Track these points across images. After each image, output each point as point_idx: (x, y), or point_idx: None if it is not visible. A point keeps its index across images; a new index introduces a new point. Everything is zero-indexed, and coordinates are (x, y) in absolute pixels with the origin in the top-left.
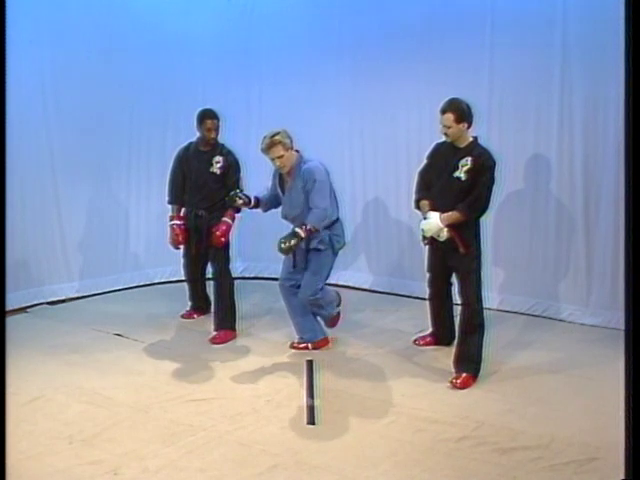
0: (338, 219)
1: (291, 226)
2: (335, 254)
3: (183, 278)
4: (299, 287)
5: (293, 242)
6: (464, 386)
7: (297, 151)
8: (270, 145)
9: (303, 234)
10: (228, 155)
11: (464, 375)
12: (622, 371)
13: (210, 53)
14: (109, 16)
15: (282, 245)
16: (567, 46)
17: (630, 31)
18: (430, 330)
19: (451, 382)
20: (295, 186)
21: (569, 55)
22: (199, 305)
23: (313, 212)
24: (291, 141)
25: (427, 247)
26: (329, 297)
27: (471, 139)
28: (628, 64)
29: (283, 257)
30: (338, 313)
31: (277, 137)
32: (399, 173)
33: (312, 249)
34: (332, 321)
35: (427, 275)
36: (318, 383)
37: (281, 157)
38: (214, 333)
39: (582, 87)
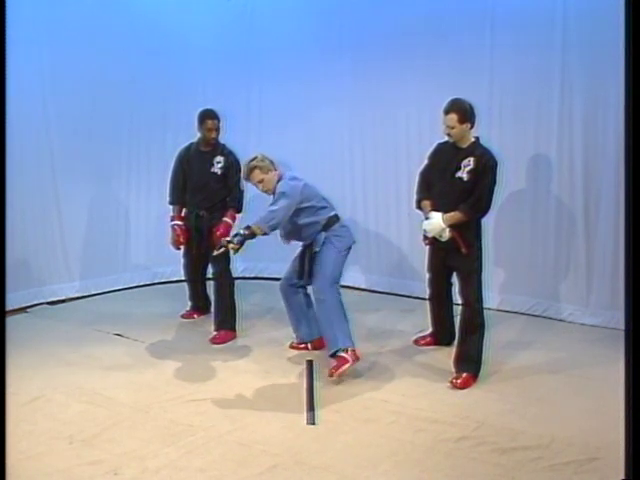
0: (335, 220)
1: (299, 244)
2: (340, 252)
3: (183, 278)
4: (299, 288)
5: (231, 241)
6: (464, 386)
7: (276, 170)
8: (248, 172)
9: (242, 232)
10: (229, 155)
11: (464, 375)
12: (622, 371)
13: (210, 53)
14: (109, 16)
15: (226, 244)
16: (567, 46)
17: (630, 31)
18: (430, 330)
19: (451, 382)
20: None
21: (569, 55)
22: (199, 305)
23: (261, 215)
24: (271, 162)
25: (428, 247)
26: (340, 315)
27: (473, 139)
28: (628, 64)
29: (292, 258)
30: (336, 353)
31: (253, 162)
32: (399, 173)
33: (313, 253)
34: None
35: (427, 275)
36: (318, 383)
37: (261, 181)
38: (214, 333)
39: (582, 87)
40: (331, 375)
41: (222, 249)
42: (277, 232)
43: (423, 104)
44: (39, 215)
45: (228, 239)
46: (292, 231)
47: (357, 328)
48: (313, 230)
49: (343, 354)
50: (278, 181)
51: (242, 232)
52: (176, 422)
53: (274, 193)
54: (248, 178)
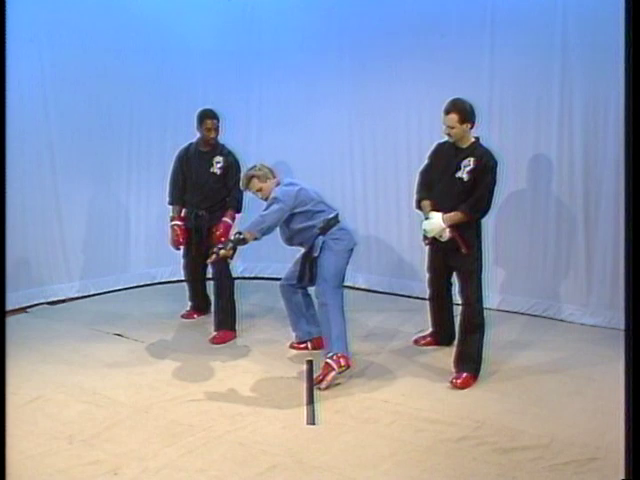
0: (333, 223)
1: (300, 250)
2: (339, 254)
3: (183, 278)
4: (299, 288)
5: (223, 250)
6: (464, 386)
7: (275, 177)
8: (246, 181)
9: (234, 237)
10: (228, 155)
11: (464, 375)
12: (622, 371)
13: (210, 53)
14: (109, 16)
15: (218, 251)
16: (567, 46)
17: (630, 31)
18: (430, 330)
19: (451, 382)
20: None
21: (569, 55)
22: (199, 305)
23: (253, 220)
24: (269, 171)
25: (427, 247)
26: (338, 319)
27: (473, 139)
28: (628, 64)
29: (294, 260)
30: (332, 358)
31: (250, 172)
32: (399, 173)
33: (314, 258)
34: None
35: (427, 275)
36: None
37: (260, 189)
38: (214, 333)
39: (582, 87)
40: (317, 383)
41: (214, 256)
42: (278, 235)
43: (423, 104)
44: (39, 215)
45: (220, 245)
46: (290, 236)
47: (357, 328)
48: (310, 234)
49: (330, 361)
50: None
51: (234, 238)
52: (176, 422)
53: None
54: (247, 187)
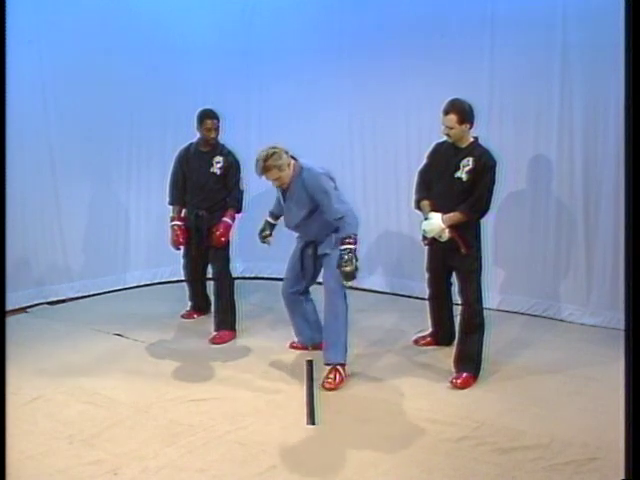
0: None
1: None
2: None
3: (183, 278)
4: (302, 294)
5: (354, 261)
6: (464, 386)
7: (293, 157)
8: (264, 171)
9: (353, 246)
10: (228, 155)
11: (464, 375)
12: (622, 371)
13: (210, 53)
14: (109, 16)
15: (347, 270)
16: (567, 47)
17: (630, 32)
18: (430, 330)
19: (451, 382)
20: (295, 196)
21: (569, 56)
22: (199, 305)
23: (344, 221)
24: (287, 155)
25: (427, 247)
26: (345, 326)
27: (472, 139)
28: (628, 65)
29: (288, 260)
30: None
31: (269, 162)
32: (399, 173)
33: (320, 255)
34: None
35: (427, 275)
36: (318, 383)
37: (278, 178)
38: (214, 333)
39: (582, 88)
40: (324, 386)
41: (354, 275)
42: (278, 234)
43: (423, 104)
44: (39, 215)
45: (355, 266)
46: (302, 226)
47: (357, 329)
48: (327, 231)
49: (340, 369)
50: (298, 173)
51: (349, 247)
52: (176, 422)
53: (288, 186)
54: (263, 176)
